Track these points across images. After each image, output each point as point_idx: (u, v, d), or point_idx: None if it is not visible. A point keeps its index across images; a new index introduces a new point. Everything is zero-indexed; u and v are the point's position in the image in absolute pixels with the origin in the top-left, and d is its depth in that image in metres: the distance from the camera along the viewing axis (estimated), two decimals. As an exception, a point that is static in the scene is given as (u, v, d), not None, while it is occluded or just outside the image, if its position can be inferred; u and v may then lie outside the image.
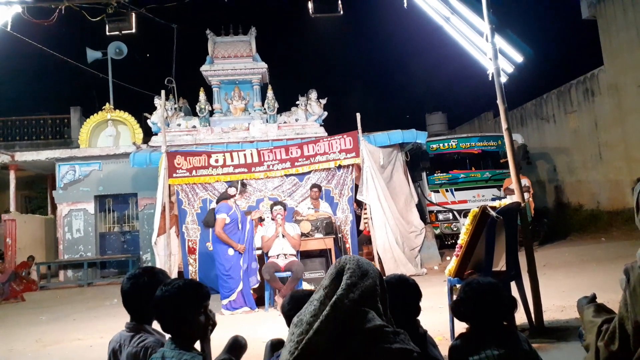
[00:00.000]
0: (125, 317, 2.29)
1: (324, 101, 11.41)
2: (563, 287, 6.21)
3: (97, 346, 5.55)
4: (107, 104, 13.85)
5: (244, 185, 7.43)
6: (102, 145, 13.04)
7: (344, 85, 29.96)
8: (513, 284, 4.60)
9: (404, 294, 2.30)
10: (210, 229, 7.60)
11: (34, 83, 17.87)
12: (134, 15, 8.18)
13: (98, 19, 8.35)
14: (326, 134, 10.85)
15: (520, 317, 4.55)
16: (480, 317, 2.18)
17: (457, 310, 2.29)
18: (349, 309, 1.37)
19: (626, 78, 12.60)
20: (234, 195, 7.12)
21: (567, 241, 12.06)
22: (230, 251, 6.91)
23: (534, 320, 4.56)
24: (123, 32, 8.33)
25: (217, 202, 7.23)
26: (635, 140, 12.43)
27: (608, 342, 1.63)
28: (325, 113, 11.44)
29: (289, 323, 2.44)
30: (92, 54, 16.47)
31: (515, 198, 4.98)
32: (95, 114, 13.61)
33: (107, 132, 13.34)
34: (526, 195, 7.35)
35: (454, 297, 2.39)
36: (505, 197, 9.15)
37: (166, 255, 8.64)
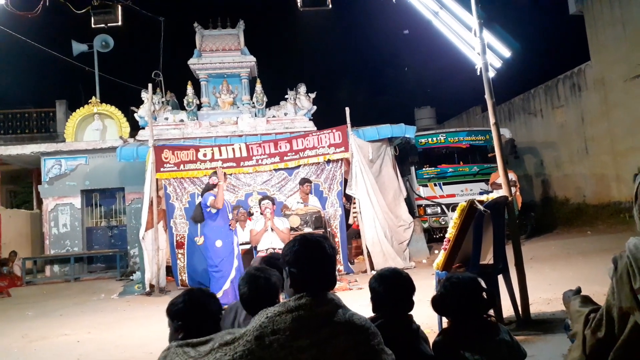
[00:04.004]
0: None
1: (313, 95, 11.38)
2: (549, 280, 6.28)
3: (85, 341, 5.51)
4: (94, 97, 13.69)
5: (223, 174, 7.36)
6: (88, 139, 12.88)
7: (333, 79, 29.92)
8: (500, 277, 4.65)
9: (398, 287, 2.30)
10: (199, 224, 7.55)
11: (18, 76, 17.54)
12: (120, 7, 8.10)
13: (83, 11, 8.25)
14: (315, 128, 10.83)
15: (507, 310, 4.59)
16: (461, 311, 2.20)
17: (438, 305, 2.30)
18: None
19: (612, 73, 12.73)
20: (218, 183, 7.07)
21: (553, 234, 12.19)
22: (219, 243, 6.86)
23: (520, 312, 4.61)
24: (109, 24, 8.25)
25: (202, 195, 7.18)
26: (620, 135, 12.58)
27: (595, 329, 1.66)
28: (315, 107, 11.42)
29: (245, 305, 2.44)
30: (78, 47, 16.23)
31: (502, 192, 5.01)
32: (81, 108, 13.44)
33: (94, 126, 13.18)
34: (512, 189, 7.40)
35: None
36: (492, 192, 9.22)
37: (154, 249, 8.59)
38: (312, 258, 1.73)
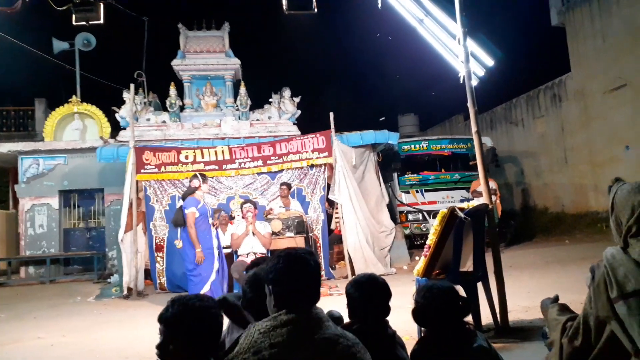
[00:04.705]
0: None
1: (297, 99, 11.37)
2: (528, 287, 6.33)
3: (59, 345, 5.39)
4: (74, 96, 13.44)
5: (203, 176, 7.26)
6: (68, 139, 12.64)
7: (318, 84, 29.92)
8: (479, 285, 4.67)
9: (374, 293, 2.30)
10: (179, 228, 7.45)
11: (-4, 73, 17.19)
12: (102, 5, 7.99)
13: (64, 8, 8.12)
14: (299, 133, 10.82)
15: (486, 317, 4.61)
16: (441, 321, 2.20)
17: (419, 316, 2.30)
18: None
19: (592, 84, 12.97)
20: (199, 187, 6.96)
21: (532, 243, 12.33)
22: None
23: (499, 320, 4.63)
24: (90, 22, 8.13)
25: (184, 198, 7.06)
26: (599, 145, 12.81)
27: (572, 338, 1.67)
28: (299, 111, 11.41)
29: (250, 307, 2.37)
30: (59, 45, 15.92)
31: (482, 200, 5.05)
32: (61, 107, 13.18)
33: (74, 126, 12.94)
34: (493, 197, 7.45)
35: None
36: (473, 199, 9.29)
37: (132, 252, 8.47)
38: (297, 274, 1.69)
